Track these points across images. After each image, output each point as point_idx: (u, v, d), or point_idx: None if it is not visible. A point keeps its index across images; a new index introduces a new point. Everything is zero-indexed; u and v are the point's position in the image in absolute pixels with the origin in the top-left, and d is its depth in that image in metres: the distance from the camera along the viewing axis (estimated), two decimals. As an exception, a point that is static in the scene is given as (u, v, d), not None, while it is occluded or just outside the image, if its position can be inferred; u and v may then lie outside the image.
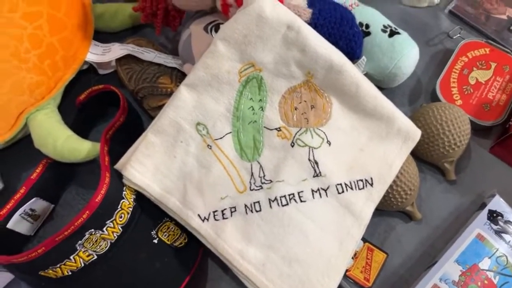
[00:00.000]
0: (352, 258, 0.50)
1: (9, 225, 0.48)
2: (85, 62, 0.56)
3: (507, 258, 0.47)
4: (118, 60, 0.57)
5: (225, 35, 0.45)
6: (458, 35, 0.63)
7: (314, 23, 0.47)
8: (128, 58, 0.57)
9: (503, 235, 0.48)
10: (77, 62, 0.55)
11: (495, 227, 0.48)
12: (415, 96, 0.60)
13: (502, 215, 0.49)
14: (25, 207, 0.49)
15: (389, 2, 0.67)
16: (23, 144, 0.53)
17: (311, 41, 0.45)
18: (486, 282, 0.46)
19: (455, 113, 0.52)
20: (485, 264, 0.47)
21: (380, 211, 0.52)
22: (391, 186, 0.48)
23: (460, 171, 0.55)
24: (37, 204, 0.50)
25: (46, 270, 0.43)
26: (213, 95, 0.46)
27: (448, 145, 0.51)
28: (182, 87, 0.46)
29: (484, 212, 0.49)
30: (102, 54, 0.56)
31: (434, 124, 0.51)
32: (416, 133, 0.48)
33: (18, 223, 0.49)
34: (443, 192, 0.54)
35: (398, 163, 0.47)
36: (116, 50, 0.56)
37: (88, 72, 0.59)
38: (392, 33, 0.55)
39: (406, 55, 0.54)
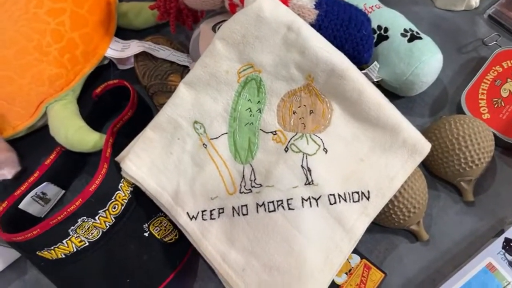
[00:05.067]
0: (346, 273, 0.47)
1: (21, 206, 0.51)
2: (105, 57, 0.59)
3: (520, 294, 0.42)
4: (136, 56, 0.59)
5: (224, 35, 0.44)
6: (495, 42, 0.57)
7: (318, 25, 0.45)
8: (145, 55, 0.58)
9: (518, 268, 0.43)
10: (97, 57, 0.58)
11: (510, 257, 0.43)
12: (437, 107, 0.55)
13: (520, 246, 0.44)
14: (37, 190, 0.52)
15: (421, 5, 0.63)
16: (43, 132, 0.56)
17: (311, 43, 0.43)
18: (492, 318, 0.41)
19: (475, 127, 0.47)
20: (493, 298, 0.42)
21: (383, 227, 0.49)
22: (392, 202, 0.45)
23: (481, 192, 0.50)
24: (49, 188, 0.54)
25: (42, 251, 0.45)
26: (211, 94, 0.46)
27: (464, 162, 0.47)
28: (181, 85, 0.47)
29: (500, 239, 0.44)
30: (121, 51, 0.59)
31: (450, 139, 0.47)
32: (424, 147, 0.44)
33: (29, 205, 0.52)
34: (458, 214, 0.49)
35: (401, 178, 0.44)
36: (134, 47, 0.58)
37: (109, 67, 0.62)
38: (413, 38, 0.51)
39: (425, 61, 0.49)
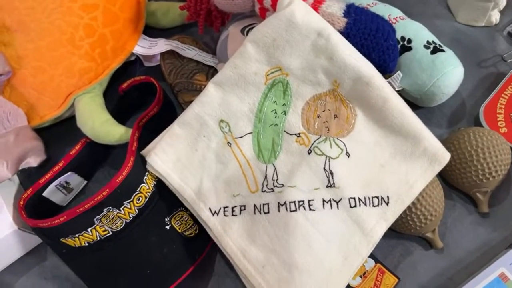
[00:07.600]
0: (361, 276, 0.48)
1: (45, 194, 0.53)
2: (133, 54, 0.60)
3: (533, 305, 0.43)
4: (162, 54, 0.60)
5: (255, 38, 0.46)
6: (514, 59, 0.58)
7: (347, 33, 0.46)
8: (171, 53, 0.60)
9: (531, 279, 0.44)
10: (125, 53, 0.59)
11: (523, 269, 0.44)
12: (456, 119, 0.57)
13: (534, 258, 0.45)
14: (61, 179, 0.54)
15: (443, 19, 0.64)
16: (68, 122, 0.58)
17: (340, 50, 0.44)
18: (504, 327, 0.42)
19: (493, 140, 0.48)
20: (505, 307, 0.43)
21: (399, 233, 0.50)
22: (409, 209, 0.46)
23: (495, 204, 0.51)
24: (72, 178, 0.55)
25: (66, 238, 0.46)
26: (238, 95, 0.48)
27: (481, 173, 0.48)
28: (210, 84, 0.48)
29: (513, 251, 0.45)
30: (149, 48, 0.60)
31: (468, 150, 0.48)
32: (444, 156, 0.45)
33: (53, 193, 0.53)
34: (472, 224, 0.50)
35: (420, 185, 0.45)
36: (161, 45, 0.59)
37: (135, 63, 0.63)
38: (435, 50, 0.52)
39: (447, 74, 0.51)
